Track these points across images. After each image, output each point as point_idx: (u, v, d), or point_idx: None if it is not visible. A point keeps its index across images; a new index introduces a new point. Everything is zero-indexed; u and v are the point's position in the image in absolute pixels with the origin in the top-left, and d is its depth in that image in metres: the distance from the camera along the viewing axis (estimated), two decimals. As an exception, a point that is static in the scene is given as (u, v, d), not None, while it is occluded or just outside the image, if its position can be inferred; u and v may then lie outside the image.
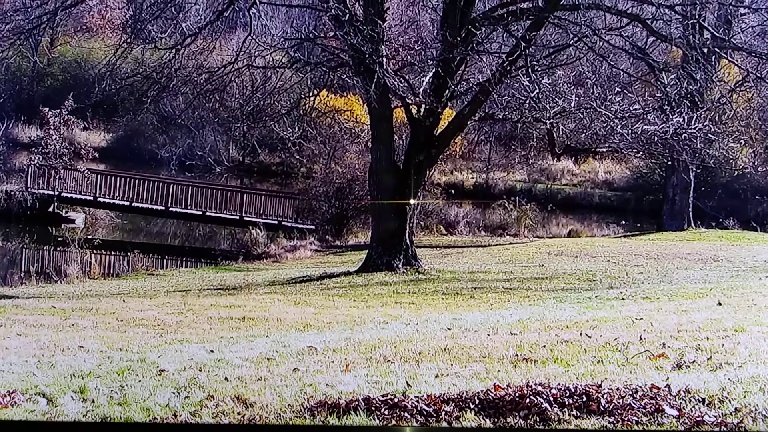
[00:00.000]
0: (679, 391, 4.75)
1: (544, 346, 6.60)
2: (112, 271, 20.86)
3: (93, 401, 5.13)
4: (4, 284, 18.12)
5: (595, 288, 14.15)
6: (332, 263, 19.97)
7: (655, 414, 4.44)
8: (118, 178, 26.57)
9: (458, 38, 15.64)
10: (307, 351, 6.94)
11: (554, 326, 8.13)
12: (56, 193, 25.83)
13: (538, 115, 16.26)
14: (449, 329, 8.47)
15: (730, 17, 23.39)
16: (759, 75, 18.32)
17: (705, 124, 16.96)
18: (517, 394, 4.70)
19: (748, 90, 25.53)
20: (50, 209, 26.20)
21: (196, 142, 39.24)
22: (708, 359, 5.75)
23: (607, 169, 41.18)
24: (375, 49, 15.31)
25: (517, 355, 6.23)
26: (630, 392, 4.76)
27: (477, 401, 4.68)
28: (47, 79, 46.55)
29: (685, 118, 16.40)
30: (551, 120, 16.36)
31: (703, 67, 17.74)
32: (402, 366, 6.02)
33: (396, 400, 4.72)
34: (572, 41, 16.44)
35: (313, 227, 25.24)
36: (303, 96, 20.50)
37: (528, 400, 4.61)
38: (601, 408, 4.53)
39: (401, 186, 16.88)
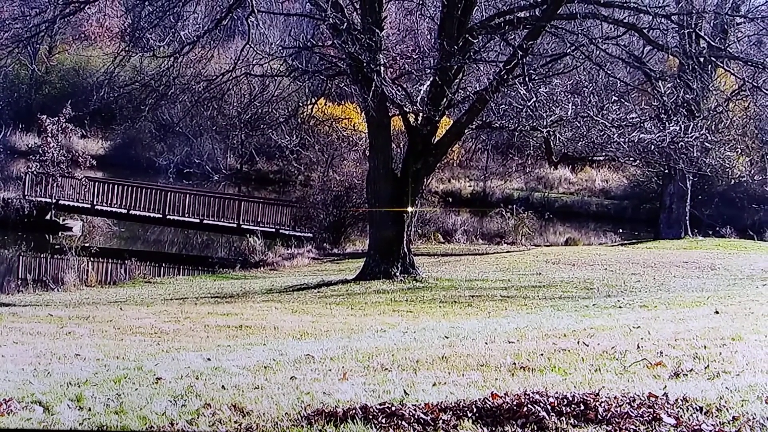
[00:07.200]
0: (676, 400, 4.75)
1: (542, 355, 6.59)
2: (109, 279, 20.82)
3: (89, 409, 5.11)
4: (1, 292, 18.09)
5: (593, 296, 14.16)
6: (330, 271, 19.95)
7: (653, 423, 4.43)
8: (116, 186, 26.54)
9: (455, 47, 15.68)
10: (304, 359, 6.92)
11: (552, 334, 8.12)
12: (54, 200, 25.80)
13: (535, 124, 16.31)
14: (447, 337, 8.46)
15: (726, 26, 23.50)
16: (755, 84, 18.40)
17: (701, 132, 17.03)
18: (514, 403, 4.69)
19: (744, 99, 25.63)
20: (48, 217, 26.15)
21: (193, 150, 39.25)
22: (705, 368, 5.74)
23: (604, 178, 41.27)
24: (373, 58, 15.35)
25: (514, 364, 6.23)
26: (627, 401, 4.76)
27: (474, 410, 4.67)
28: (45, 87, 46.57)
29: (682, 126, 16.46)
30: (548, 128, 16.40)
31: (699, 76, 17.82)
32: (399, 374, 6.01)
33: (393, 408, 4.71)
34: (569, 50, 16.51)
35: (311, 235, 25.23)
36: (301, 104, 20.54)
37: (525, 408, 4.60)
38: (599, 416, 4.52)
39: (399, 194, 16.89)
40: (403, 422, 4.53)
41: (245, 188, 38.78)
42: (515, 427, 4.46)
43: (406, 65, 19.22)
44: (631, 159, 18.90)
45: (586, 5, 17.03)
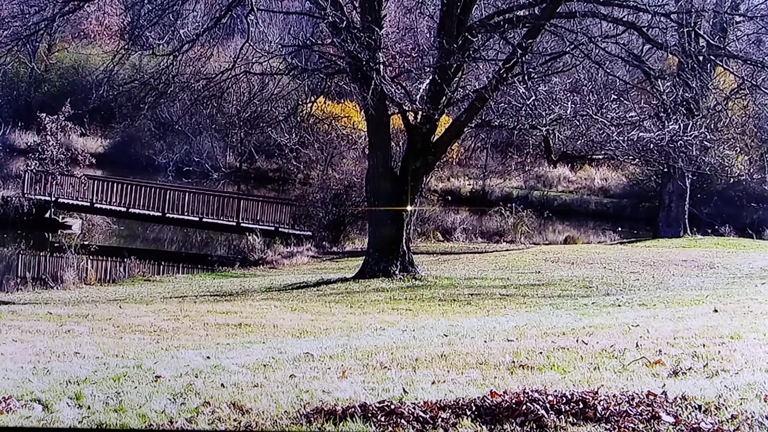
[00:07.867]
0: (675, 398, 4.76)
1: (541, 353, 6.60)
2: (108, 277, 20.81)
3: (89, 408, 5.11)
4: (0, 290, 18.08)
5: (592, 295, 14.16)
6: (329, 269, 19.96)
7: (652, 421, 4.44)
8: (115, 184, 26.55)
9: (455, 45, 15.68)
10: (303, 357, 6.93)
11: (551, 333, 8.13)
12: (53, 199, 25.79)
13: (534, 122, 16.31)
14: (446, 336, 8.47)
15: (725, 25, 23.50)
16: (754, 83, 18.41)
17: (701, 131, 17.02)
18: (513, 401, 4.70)
19: (743, 97, 25.62)
20: (47, 215, 26.15)
21: (193, 149, 39.24)
22: (704, 366, 5.75)
23: (603, 176, 41.29)
24: (372, 56, 15.35)
25: (513, 362, 6.23)
26: (626, 399, 4.77)
27: (473, 408, 4.68)
28: (45, 85, 46.53)
29: (681, 125, 16.47)
30: (547, 127, 16.40)
31: (698, 75, 17.82)
32: (399, 372, 6.02)
33: (392, 406, 4.72)
34: (568, 49, 16.51)
35: (310, 233, 25.23)
36: (300, 102, 20.54)
37: (524, 406, 4.61)
38: (598, 415, 4.53)
39: (398, 192, 16.90)
40: (402, 420, 4.54)
41: (244, 186, 38.77)
42: (514, 425, 4.46)
43: (406, 63, 19.23)
44: (631, 157, 18.90)
45: (586, 4, 17.03)
